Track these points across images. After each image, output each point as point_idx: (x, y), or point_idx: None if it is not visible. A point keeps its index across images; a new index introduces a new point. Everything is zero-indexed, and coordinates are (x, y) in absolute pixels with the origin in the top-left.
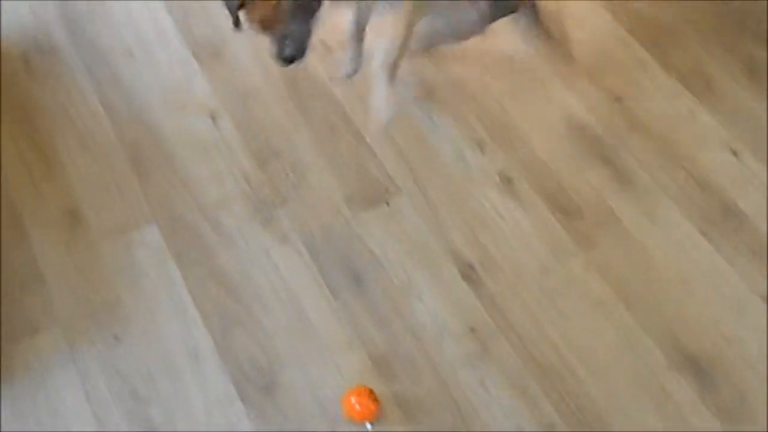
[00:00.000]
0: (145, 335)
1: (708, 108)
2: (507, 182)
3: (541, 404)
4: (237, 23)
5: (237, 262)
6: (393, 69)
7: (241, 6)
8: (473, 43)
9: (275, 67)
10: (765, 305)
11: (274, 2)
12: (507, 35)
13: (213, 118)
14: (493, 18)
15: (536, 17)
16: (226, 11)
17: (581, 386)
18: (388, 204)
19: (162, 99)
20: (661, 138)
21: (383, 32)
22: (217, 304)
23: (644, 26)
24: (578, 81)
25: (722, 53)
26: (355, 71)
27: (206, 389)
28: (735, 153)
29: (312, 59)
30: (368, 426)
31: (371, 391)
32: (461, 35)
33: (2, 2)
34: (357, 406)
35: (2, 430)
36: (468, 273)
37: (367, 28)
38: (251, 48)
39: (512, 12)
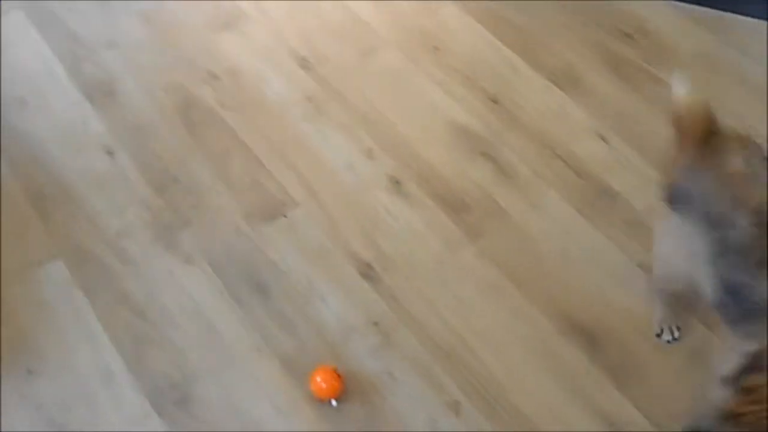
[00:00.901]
0: (58, 366)
1: (577, 101)
2: (396, 185)
3: (447, 386)
4: None
5: (143, 285)
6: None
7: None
8: (355, 58)
9: (167, 100)
10: (642, 271)
11: None
12: (390, 51)
13: (109, 153)
14: None
15: None
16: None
17: (482, 364)
18: (285, 216)
19: (59, 141)
20: (537, 132)
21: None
22: (126, 327)
23: (512, 32)
24: (456, 87)
25: (586, 51)
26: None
27: (122, 409)
28: (605, 139)
29: (202, 89)
30: (333, 403)
31: (335, 370)
32: None
33: None
34: (323, 384)
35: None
36: (366, 272)
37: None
38: (142, 84)
39: None
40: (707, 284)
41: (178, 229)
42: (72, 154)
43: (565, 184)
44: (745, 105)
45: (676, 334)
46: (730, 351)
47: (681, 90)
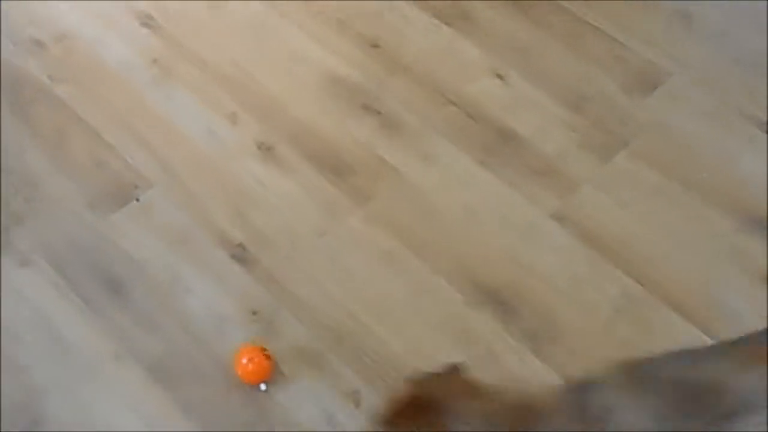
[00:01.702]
0: None
1: (468, 38)
2: (267, 151)
3: (343, 374)
4: None
5: None
6: None
7: None
8: (205, 10)
9: None
10: (556, 223)
11: None
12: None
13: None
14: None
15: None
16: None
17: (381, 344)
18: (138, 200)
19: None
20: (425, 76)
21: None
22: None
23: None
24: (328, 34)
25: None
26: None
27: None
28: (501, 77)
29: (27, 62)
30: (262, 387)
31: (263, 348)
32: None
33: None
34: (249, 366)
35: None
36: (239, 254)
37: None
38: None
39: None
40: None
41: (11, 227)
42: None
43: (461, 132)
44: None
45: None
46: None
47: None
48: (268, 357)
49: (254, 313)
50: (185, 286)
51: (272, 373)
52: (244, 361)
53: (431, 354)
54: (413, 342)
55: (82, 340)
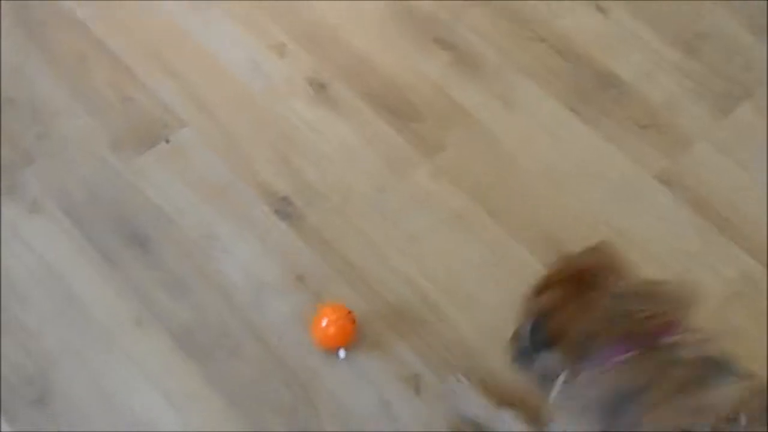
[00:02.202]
0: None
1: None
2: (320, 89)
3: (402, 354)
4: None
5: None
6: None
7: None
8: None
9: None
10: (663, 187)
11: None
12: None
13: None
14: None
15: None
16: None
17: (447, 323)
18: (167, 141)
19: None
20: (508, 6)
21: None
22: None
23: None
24: None
25: None
26: None
27: None
28: (602, 10)
29: None
30: (341, 353)
31: (349, 311)
32: None
33: None
34: (331, 329)
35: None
36: (284, 208)
37: None
38: None
39: None
40: None
41: (20, 168)
42: None
43: (550, 74)
44: None
45: None
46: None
47: None
48: (352, 320)
49: (300, 278)
50: (221, 244)
51: (354, 339)
52: (324, 323)
53: (506, 336)
54: (485, 321)
55: (98, 302)
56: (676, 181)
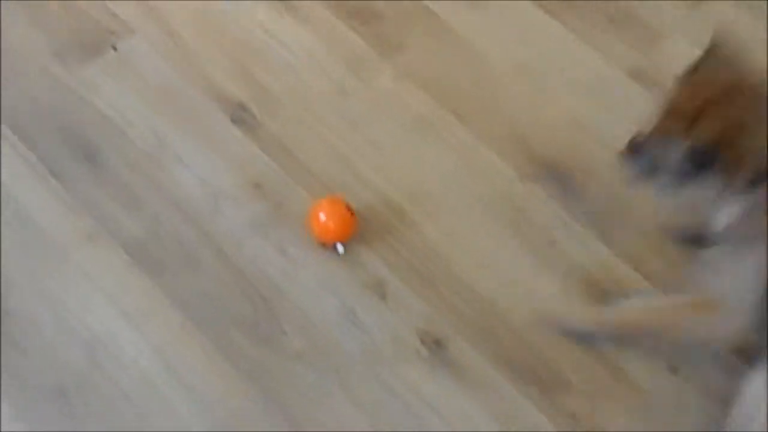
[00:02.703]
0: None
1: None
2: None
3: (367, 262)
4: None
5: None
6: None
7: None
8: None
9: None
10: (636, 83)
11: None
12: None
13: None
14: None
15: None
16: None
17: (416, 231)
18: (115, 48)
19: None
20: None
21: None
22: None
23: None
24: None
25: None
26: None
27: None
28: None
29: None
30: (339, 248)
31: (347, 204)
32: None
33: None
34: (330, 223)
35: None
36: (240, 115)
37: None
38: None
39: None
40: None
41: None
42: None
43: None
44: None
45: None
46: None
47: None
48: (352, 213)
49: (257, 186)
50: (175, 154)
51: (354, 233)
52: (323, 217)
53: (478, 243)
54: (455, 228)
55: (49, 219)
56: (650, 76)
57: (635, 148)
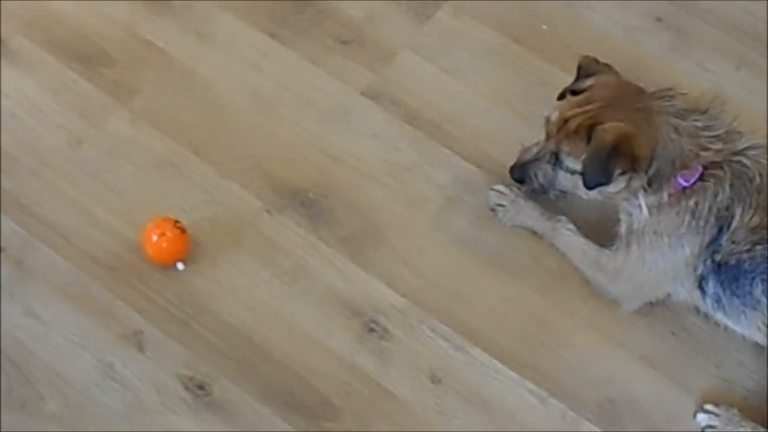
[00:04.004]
0: None
1: None
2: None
3: (119, 311)
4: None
5: None
6: None
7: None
8: None
9: None
10: (371, 102)
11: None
12: None
13: None
14: None
15: None
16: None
17: (167, 272)
18: None
19: None
20: None
21: None
22: None
23: None
24: None
25: None
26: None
27: None
28: None
29: None
30: (180, 266)
31: (175, 221)
32: None
33: None
34: (163, 243)
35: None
36: None
37: None
38: None
39: None
40: None
41: None
42: None
43: (244, 1)
44: None
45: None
46: None
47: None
48: (182, 230)
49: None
50: None
51: (190, 249)
52: (155, 238)
53: (226, 276)
54: (205, 265)
55: None
56: (384, 94)
57: (522, 170)
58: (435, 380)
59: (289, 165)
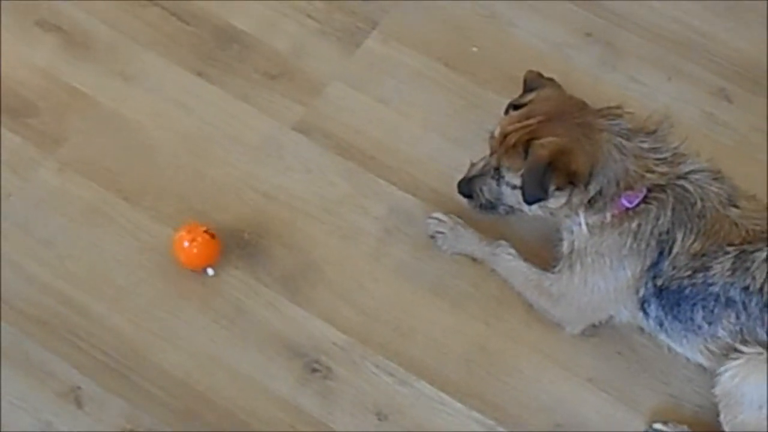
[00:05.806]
0: None
1: None
2: None
3: (55, 368)
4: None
5: None
6: None
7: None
8: None
9: None
10: (302, 136)
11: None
12: None
13: None
14: None
15: None
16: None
17: (102, 323)
18: None
19: None
20: None
21: None
22: None
23: None
24: None
25: None
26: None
27: None
28: None
29: None
30: (210, 271)
31: (205, 228)
32: None
33: None
34: (194, 249)
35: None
36: None
37: None
38: None
39: None
40: None
41: None
42: None
43: (169, 39)
44: None
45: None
46: None
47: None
48: (212, 235)
49: None
50: None
51: (219, 255)
52: (186, 244)
53: (164, 324)
54: (141, 314)
55: None
56: (315, 128)
57: (469, 185)
58: (381, 417)
59: (222, 206)
